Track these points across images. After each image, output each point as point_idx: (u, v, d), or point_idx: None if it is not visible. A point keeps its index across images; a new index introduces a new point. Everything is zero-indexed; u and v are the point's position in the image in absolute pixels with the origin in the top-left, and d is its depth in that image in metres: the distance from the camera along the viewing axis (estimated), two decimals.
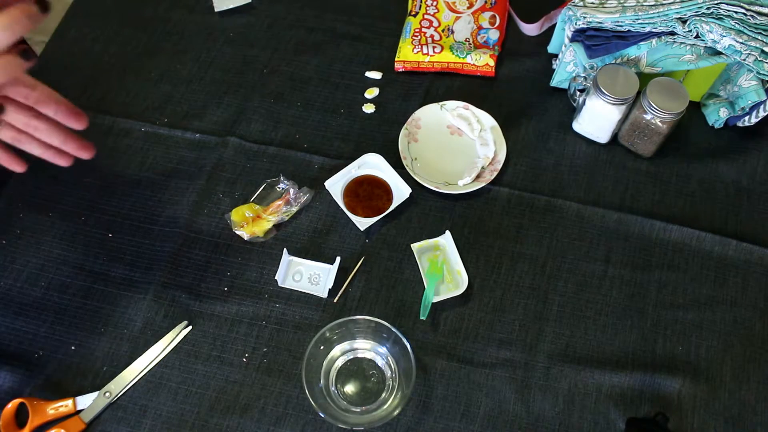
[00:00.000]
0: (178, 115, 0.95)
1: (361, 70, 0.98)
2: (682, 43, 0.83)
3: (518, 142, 0.92)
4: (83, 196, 0.88)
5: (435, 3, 1.02)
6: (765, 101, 0.85)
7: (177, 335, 0.79)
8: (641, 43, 0.84)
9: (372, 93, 0.96)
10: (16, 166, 0.68)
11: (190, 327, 0.80)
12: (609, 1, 0.86)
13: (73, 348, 0.78)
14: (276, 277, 0.81)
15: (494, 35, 0.99)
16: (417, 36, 0.98)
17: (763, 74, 0.82)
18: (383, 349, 0.77)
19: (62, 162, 0.70)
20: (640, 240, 0.85)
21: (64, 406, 0.74)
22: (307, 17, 1.04)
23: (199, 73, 0.98)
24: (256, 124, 0.94)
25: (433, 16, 1.01)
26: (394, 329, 0.73)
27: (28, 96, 0.64)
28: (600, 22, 0.85)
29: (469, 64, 0.96)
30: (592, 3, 0.87)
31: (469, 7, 1.02)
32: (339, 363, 0.77)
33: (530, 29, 1.01)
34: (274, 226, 0.85)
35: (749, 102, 0.85)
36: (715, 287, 0.82)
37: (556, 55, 0.96)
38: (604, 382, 0.77)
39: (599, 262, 0.84)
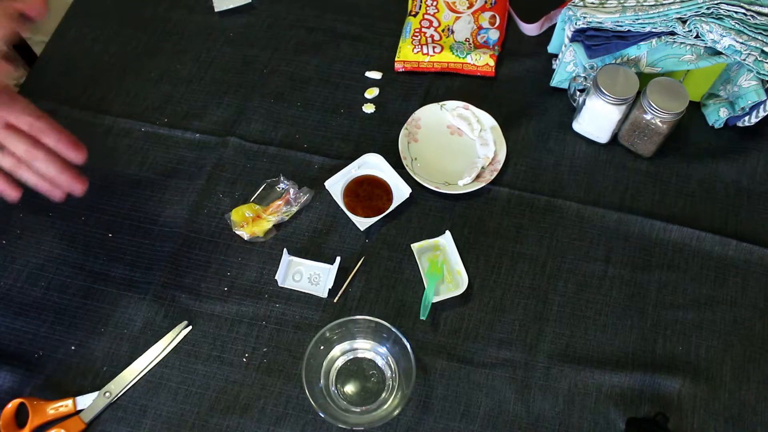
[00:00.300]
0: (178, 115, 0.95)
1: (361, 70, 0.98)
2: (682, 43, 0.83)
3: (518, 142, 0.92)
4: (83, 196, 0.88)
5: (435, 3, 1.02)
6: (765, 101, 0.85)
7: (177, 335, 0.79)
8: (641, 43, 0.84)
9: (372, 93, 0.96)
10: (11, 193, 0.68)
11: (190, 327, 0.80)
12: (609, 1, 0.86)
13: (73, 348, 0.78)
14: (276, 277, 0.81)
15: (494, 35, 0.99)
16: (417, 36, 0.98)
17: (763, 74, 0.82)
18: (383, 349, 0.77)
19: (55, 196, 0.70)
20: (640, 240, 0.85)
21: (64, 406, 0.74)
22: (307, 17, 1.04)
23: (199, 73, 0.98)
24: (256, 124, 0.94)
25: (433, 16, 1.01)
26: (394, 329, 0.73)
27: (32, 125, 0.66)
28: (600, 22, 0.85)
29: (469, 64, 0.96)
30: (592, 3, 0.87)
31: (469, 7, 1.02)
32: (339, 363, 0.77)
33: (530, 29, 1.01)
34: (274, 226, 0.85)
35: (749, 102, 0.85)
36: (715, 287, 0.82)
37: (556, 55, 0.96)
38: (604, 382, 0.77)
39: (599, 262, 0.84)
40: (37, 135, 0.66)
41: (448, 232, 0.84)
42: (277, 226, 0.86)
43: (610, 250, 0.84)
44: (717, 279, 0.83)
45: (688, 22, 0.81)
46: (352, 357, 0.78)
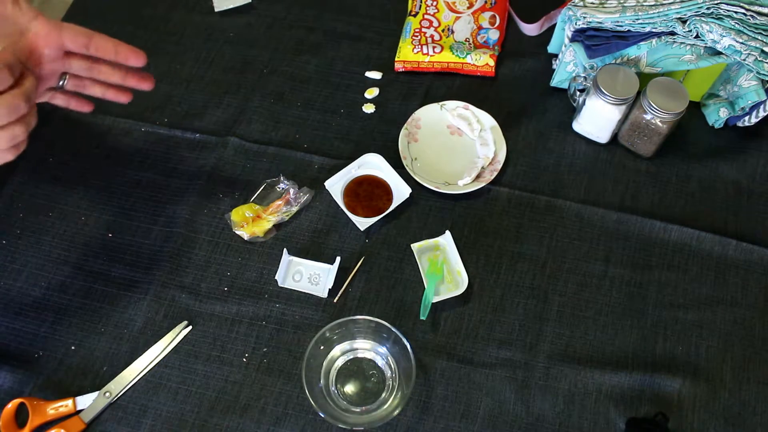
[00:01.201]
0: (178, 115, 0.95)
1: (361, 70, 0.98)
2: (682, 43, 0.83)
3: (518, 142, 0.92)
4: (83, 196, 0.88)
5: (435, 3, 1.02)
6: (765, 101, 0.85)
7: (177, 335, 0.79)
8: (641, 43, 0.84)
9: (372, 93, 0.97)
10: (86, 107, 0.75)
11: (190, 327, 0.80)
12: (609, 1, 0.86)
13: (73, 348, 0.78)
14: (276, 277, 0.81)
15: (494, 35, 0.99)
16: (417, 36, 0.98)
17: (763, 74, 0.82)
18: (383, 349, 0.77)
19: (123, 99, 0.75)
20: (640, 240, 0.85)
21: (64, 406, 0.74)
22: (307, 17, 1.04)
23: (199, 73, 0.98)
24: (256, 124, 0.94)
25: (433, 16, 1.01)
26: (394, 329, 0.73)
27: (88, 46, 0.68)
28: (600, 22, 0.85)
29: (469, 64, 0.96)
30: (592, 3, 0.87)
31: (469, 7, 1.02)
32: (339, 363, 0.77)
33: (530, 29, 1.01)
34: (274, 226, 0.85)
35: (749, 102, 0.85)
36: (715, 287, 0.82)
37: (556, 55, 0.96)
38: (604, 382, 0.77)
39: (599, 262, 0.84)
40: (95, 54, 0.68)
41: (448, 232, 0.84)
42: (277, 226, 0.86)
43: (610, 250, 0.84)
44: (717, 279, 0.83)
45: (688, 22, 0.81)
46: (352, 357, 0.78)
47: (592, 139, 0.92)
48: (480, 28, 1.00)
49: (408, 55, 0.97)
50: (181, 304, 0.81)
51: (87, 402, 0.74)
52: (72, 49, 0.67)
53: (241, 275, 0.83)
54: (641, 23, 0.83)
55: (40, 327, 0.79)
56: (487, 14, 1.01)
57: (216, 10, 1.04)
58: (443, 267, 0.83)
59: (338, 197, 0.86)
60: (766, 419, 0.75)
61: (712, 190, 0.89)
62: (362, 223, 0.84)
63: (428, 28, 1.00)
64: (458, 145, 0.92)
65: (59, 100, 0.74)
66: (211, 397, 0.76)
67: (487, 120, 0.92)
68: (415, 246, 0.84)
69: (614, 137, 0.91)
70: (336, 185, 0.87)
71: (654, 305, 0.81)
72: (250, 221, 0.85)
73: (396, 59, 0.98)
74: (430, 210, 0.87)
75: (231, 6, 1.04)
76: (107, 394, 0.75)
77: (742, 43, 0.79)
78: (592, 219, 0.86)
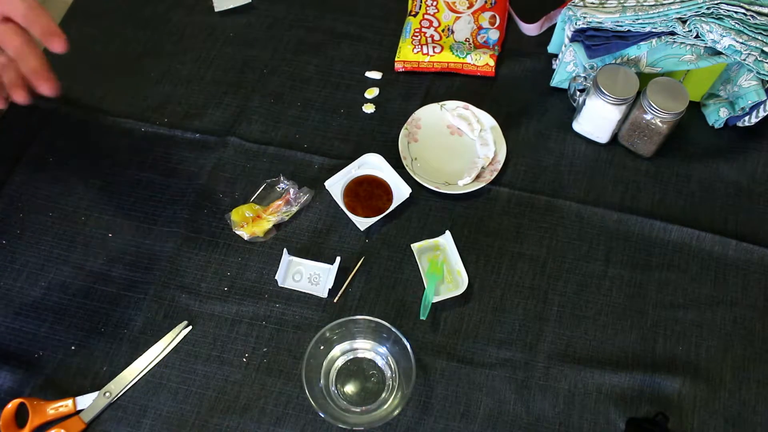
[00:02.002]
0: (178, 115, 0.95)
1: (361, 70, 0.98)
2: (682, 43, 0.83)
3: (518, 142, 0.92)
4: (83, 196, 0.88)
5: (435, 3, 1.02)
6: (765, 101, 0.85)
7: (177, 335, 0.79)
8: (641, 43, 0.84)
9: (372, 93, 0.96)
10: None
11: (190, 327, 0.80)
12: (609, 1, 0.86)
13: (73, 348, 0.78)
14: (276, 277, 0.81)
15: (494, 35, 0.99)
16: (417, 36, 0.98)
17: (763, 74, 0.82)
18: (383, 349, 0.77)
19: (20, 98, 0.66)
20: (640, 240, 0.85)
21: (64, 406, 0.74)
22: (307, 17, 1.04)
23: (199, 73, 0.98)
24: (256, 124, 0.94)
25: (433, 16, 1.01)
26: (394, 329, 0.73)
27: (26, 15, 0.61)
28: (600, 22, 0.85)
29: (469, 64, 0.96)
30: (592, 3, 0.87)
31: (469, 7, 1.02)
32: (339, 363, 0.77)
33: (530, 29, 1.01)
34: (274, 226, 0.85)
35: (749, 102, 0.85)
36: (715, 287, 0.82)
37: (556, 55, 0.96)
38: (604, 382, 0.77)
39: (599, 262, 0.84)
40: (28, 26, 0.61)
41: (448, 232, 0.84)
42: (277, 226, 0.86)
43: (610, 250, 0.84)
44: (717, 279, 0.83)
45: (688, 22, 0.81)
46: (352, 357, 0.78)
47: (592, 139, 0.92)
48: (480, 28, 1.00)
49: (408, 55, 0.97)
50: (181, 304, 0.81)
51: (87, 402, 0.74)
52: (11, 16, 0.60)
53: (241, 275, 0.83)
54: (641, 23, 0.83)
55: (40, 327, 0.79)
56: (487, 14, 1.01)
57: (216, 10, 1.04)
58: (443, 267, 0.83)
59: (338, 197, 0.86)
60: (766, 419, 0.75)
61: (712, 190, 0.89)
62: (362, 223, 0.84)
63: (428, 28, 1.00)
64: (458, 145, 0.92)
65: None
66: (211, 397, 0.76)
67: (487, 120, 0.92)
68: (415, 246, 0.84)
69: (614, 137, 0.91)
70: (336, 185, 0.87)
71: (654, 305, 0.81)
72: (250, 221, 0.85)
73: (396, 59, 0.98)
74: (430, 210, 0.87)
75: (231, 6, 1.04)
76: (107, 394, 0.75)
77: (742, 43, 0.79)
78: (592, 219, 0.86)
